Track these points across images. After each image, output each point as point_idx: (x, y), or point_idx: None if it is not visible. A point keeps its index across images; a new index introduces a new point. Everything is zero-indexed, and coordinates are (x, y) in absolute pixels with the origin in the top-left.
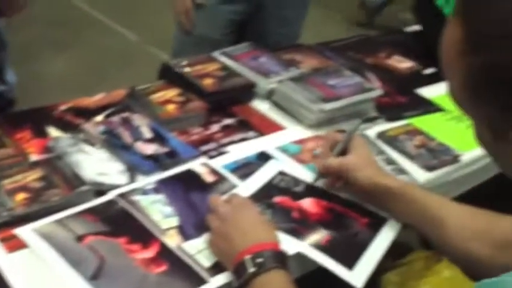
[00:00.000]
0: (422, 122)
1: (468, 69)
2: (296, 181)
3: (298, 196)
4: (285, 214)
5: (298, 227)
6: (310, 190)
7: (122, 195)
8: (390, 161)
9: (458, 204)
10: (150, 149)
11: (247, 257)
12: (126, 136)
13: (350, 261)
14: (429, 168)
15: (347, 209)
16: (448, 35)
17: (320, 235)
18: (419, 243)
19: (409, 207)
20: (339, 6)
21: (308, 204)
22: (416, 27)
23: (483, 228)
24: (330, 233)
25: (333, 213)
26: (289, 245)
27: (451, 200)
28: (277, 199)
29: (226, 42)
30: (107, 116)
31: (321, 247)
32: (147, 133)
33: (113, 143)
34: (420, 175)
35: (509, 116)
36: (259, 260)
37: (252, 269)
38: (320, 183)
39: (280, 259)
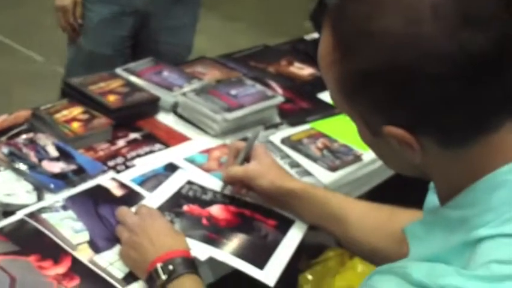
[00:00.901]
0: (324, 125)
1: (338, 76)
2: (204, 189)
3: (206, 203)
4: (194, 222)
5: (209, 233)
6: (218, 197)
7: (31, 214)
8: (295, 164)
9: (359, 201)
10: (57, 167)
11: (159, 265)
12: (32, 156)
13: (261, 262)
14: (333, 168)
15: (254, 212)
16: (322, 45)
17: (230, 239)
18: (334, 241)
19: (313, 208)
20: (247, 17)
21: (217, 210)
22: (315, 35)
23: (384, 222)
24: (240, 236)
25: (242, 217)
26: (200, 251)
27: (352, 198)
28: (186, 208)
29: (120, 57)
30: (12, 137)
31: (232, 251)
32: (53, 152)
33: (19, 164)
34: (324, 176)
35: (379, 116)
36: (170, 267)
37: (163, 277)
38: (228, 191)
39: (191, 265)
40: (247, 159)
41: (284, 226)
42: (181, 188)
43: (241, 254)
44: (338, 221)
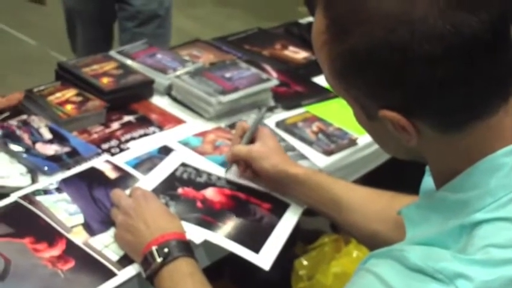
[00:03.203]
0: (319, 108)
1: (332, 57)
2: (198, 172)
3: (201, 186)
4: (189, 204)
5: (204, 216)
6: (213, 180)
7: (25, 197)
8: (290, 148)
9: (361, 187)
10: (51, 149)
11: (154, 247)
12: (26, 138)
13: (256, 245)
14: (328, 152)
15: (249, 196)
16: (315, 27)
17: (225, 222)
18: (330, 227)
19: (315, 193)
20: (240, 2)
21: (211, 193)
22: (310, 19)
23: (385, 208)
24: (235, 219)
25: (236, 200)
26: (196, 234)
27: (354, 183)
28: (181, 190)
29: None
30: (5, 119)
31: (227, 234)
32: (47, 134)
33: (13, 146)
34: (319, 160)
35: (373, 99)
36: (166, 250)
37: (159, 259)
38: (231, 175)
39: (186, 247)
40: (252, 141)
41: (279, 209)
42: (175, 171)
43: (236, 237)
44: (340, 207)
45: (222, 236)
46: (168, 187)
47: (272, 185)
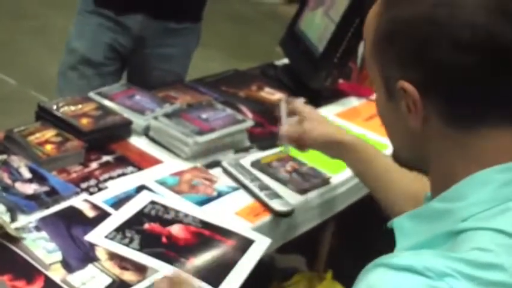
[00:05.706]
0: (293, 148)
1: (378, 25)
2: (166, 209)
3: (168, 222)
4: (154, 239)
5: (167, 251)
6: (179, 216)
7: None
8: (265, 187)
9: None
10: (30, 188)
11: None
12: (5, 177)
13: (215, 281)
14: (302, 191)
15: (214, 233)
16: (371, 10)
17: (187, 258)
18: (305, 264)
19: (360, 162)
20: (219, 44)
21: (177, 230)
22: (285, 60)
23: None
24: (198, 255)
25: (201, 237)
26: (158, 268)
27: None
28: (147, 226)
29: (108, 66)
30: None
31: (188, 269)
32: (26, 173)
33: None
34: (293, 198)
35: (398, 69)
36: None
37: None
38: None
39: None
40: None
41: (243, 246)
42: (144, 207)
43: (196, 272)
44: (381, 186)
45: (184, 272)
46: (135, 222)
47: (325, 152)
